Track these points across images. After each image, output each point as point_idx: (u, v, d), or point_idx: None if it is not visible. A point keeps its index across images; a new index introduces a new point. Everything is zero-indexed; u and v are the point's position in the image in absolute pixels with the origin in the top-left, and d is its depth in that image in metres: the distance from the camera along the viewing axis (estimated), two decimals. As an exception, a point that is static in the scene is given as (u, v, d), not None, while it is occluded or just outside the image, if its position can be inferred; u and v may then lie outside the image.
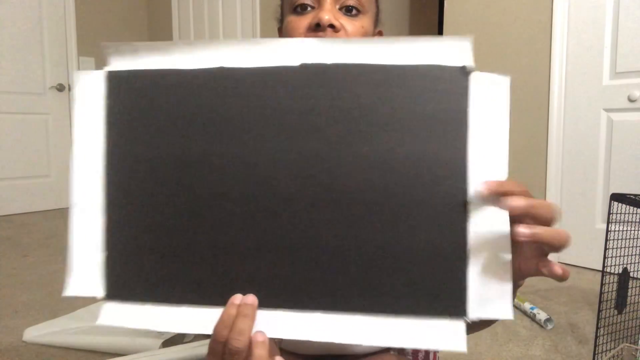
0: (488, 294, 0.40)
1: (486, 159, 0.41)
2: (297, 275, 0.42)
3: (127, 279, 0.44)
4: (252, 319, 0.41)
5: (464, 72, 0.42)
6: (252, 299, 0.41)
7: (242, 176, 0.43)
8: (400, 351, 0.75)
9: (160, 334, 1.44)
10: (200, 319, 0.43)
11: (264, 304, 0.42)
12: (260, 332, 0.41)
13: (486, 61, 2.50)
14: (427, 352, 0.77)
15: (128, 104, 0.45)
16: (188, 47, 0.44)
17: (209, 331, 0.42)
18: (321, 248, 0.42)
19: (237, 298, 0.41)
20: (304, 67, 0.43)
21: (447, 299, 0.40)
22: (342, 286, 0.41)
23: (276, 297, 0.42)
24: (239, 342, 0.40)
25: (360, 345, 0.69)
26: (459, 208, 0.41)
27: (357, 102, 0.42)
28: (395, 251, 0.41)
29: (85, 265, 0.45)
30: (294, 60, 0.43)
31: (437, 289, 0.40)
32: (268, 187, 0.43)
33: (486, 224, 0.41)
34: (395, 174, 0.41)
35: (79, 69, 3.81)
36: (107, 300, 0.44)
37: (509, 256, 0.40)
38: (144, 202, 0.44)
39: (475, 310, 0.40)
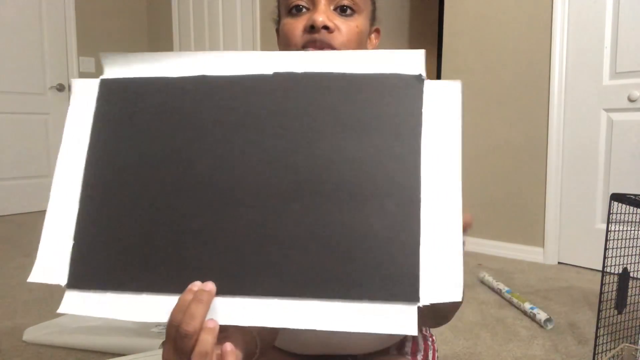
0: (440, 280, 0.41)
1: (439, 154, 0.45)
2: (255, 262, 0.43)
3: (90, 268, 0.46)
4: (207, 304, 0.41)
5: (418, 80, 0.47)
6: (210, 286, 0.42)
7: (210, 170, 0.46)
8: (400, 351, 0.75)
9: (159, 333, 1.44)
10: (160, 307, 0.44)
11: (224, 291, 0.43)
12: (212, 319, 0.42)
13: (486, 61, 2.50)
14: (426, 353, 0.77)
15: (113, 107, 0.49)
16: (175, 58, 0.50)
17: (165, 319, 0.43)
18: (280, 236, 0.44)
19: (196, 285, 0.43)
20: (277, 75, 0.48)
21: (401, 285, 0.42)
22: (298, 272, 0.43)
23: (235, 284, 0.43)
24: (189, 326, 0.40)
25: (360, 344, 0.69)
26: (413, 199, 0.44)
27: (322, 105, 0.47)
28: (351, 239, 0.43)
29: (53, 254, 0.47)
30: (268, 70, 0.49)
31: (391, 276, 0.42)
32: (233, 180, 0.46)
33: (438, 213, 0.43)
34: (354, 169, 0.45)
35: (79, 69, 3.81)
36: (69, 289, 0.46)
37: (459, 243, 0.42)
38: (114, 195, 0.47)
39: (427, 294, 0.41)
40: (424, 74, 0.47)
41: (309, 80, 0.48)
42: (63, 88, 3.71)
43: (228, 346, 0.42)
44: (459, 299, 0.41)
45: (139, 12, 4.27)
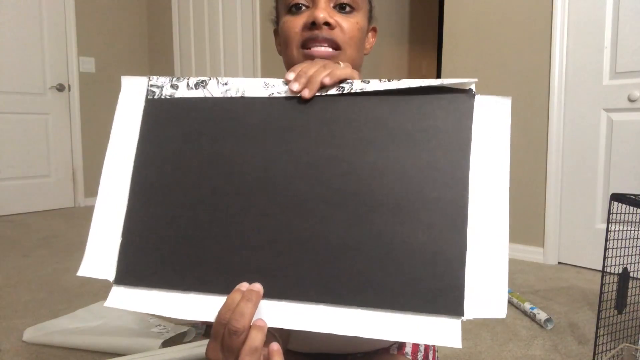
0: (484, 294, 0.42)
1: (487, 170, 0.45)
2: (303, 269, 0.44)
3: (137, 265, 0.46)
4: (255, 304, 0.42)
5: (469, 95, 0.47)
6: (258, 286, 0.43)
7: (258, 175, 0.47)
8: (400, 351, 0.75)
9: (159, 333, 1.44)
10: (205, 307, 0.44)
11: (270, 294, 0.43)
12: (261, 319, 0.43)
13: (486, 61, 2.50)
14: (426, 352, 0.77)
15: (162, 110, 0.51)
16: (222, 82, 0.52)
17: (213, 319, 0.43)
18: (328, 244, 0.44)
19: (244, 285, 0.44)
20: (326, 96, 0.49)
21: (446, 299, 0.42)
22: (345, 281, 0.43)
23: (282, 288, 0.44)
24: (238, 323, 0.41)
25: (363, 343, 0.69)
26: (460, 212, 0.44)
27: (371, 116, 0.47)
28: (398, 251, 0.43)
29: (102, 249, 0.48)
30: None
31: (436, 289, 0.42)
32: (282, 185, 0.46)
33: (485, 228, 0.43)
34: (402, 181, 0.45)
35: (79, 69, 3.81)
36: (116, 284, 0.47)
37: (505, 258, 0.43)
38: (163, 194, 0.48)
39: (472, 309, 0.41)
40: (474, 89, 0.47)
41: (358, 95, 0.48)
42: (63, 88, 3.71)
43: (275, 346, 0.43)
44: (503, 315, 0.41)
45: (139, 12, 4.27)
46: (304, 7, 0.63)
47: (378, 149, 0.46)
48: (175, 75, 4.09)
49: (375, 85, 0.48)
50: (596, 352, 1.25)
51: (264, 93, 0.50)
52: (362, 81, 0.49)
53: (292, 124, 0.48)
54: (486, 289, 0.42)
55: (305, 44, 0.62)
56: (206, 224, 0.46)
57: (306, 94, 0.48)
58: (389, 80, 0.48)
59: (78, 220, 3.34)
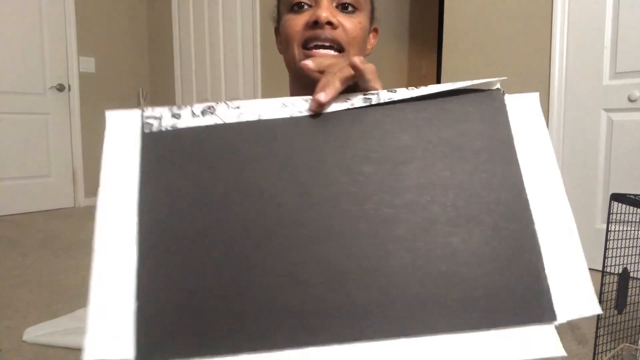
0: (571, 293, 0.39)
1: (537, 166, 0.42)
2: (371, 301, 0.38)
3: (164, 333, 0.37)
4: None
5: (499, 93, 0.44)
6: None
7: (296, 207, 0.40)
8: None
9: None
10: None
11: (342, 337, 0.37)
12: None
13: (486, 61, 2.50)
14: None
15: (163, 150, 0.42)
16: (232, 106, 0.45)
17: None
18: (383, 269, 0.39)
19: None
20: (352, 110, 0.45)
21: (534, 306, 0.38)
22: (422, 307, 0.38)
23: (351, 329, 0.37)
24: None
25: None
26: (524, 211, 0.41)
27: (404, 128, 0.43)
28: (469, 263, 0.39)
29: (111, 321, 0.37)
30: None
31: (521, 298, 0.38)
32: (326, 214, 0.40)
33: (552, 225, 0.40)
34: (453, 188, 0.41)
35: (79, 69, 3.81)
36: None
37: (581, 251, 0.40)
38: (183, 241, 0.39)
39: (563, 311, 0.38)
40: (501, 89, 0.45)
41: (387, 105, 0.45)
42: (63, 88, 3.71)
43: None
44: (598, 311, 0.38)
45: (139, 12, 4.27)
46: (306, 6, 0.62)
47: (421, 158, 0.42)
48: (174, 73, 4.10)
49: (403, 93, 0.44)
50: (596, 352, 1.25)
51: (284, 114, 0.44)
52: (388, 91, 0.45)
53: (322, 144, 0.43)
54: (571, 287, 0.39)
55: (307, 44, 0.62)
56: (242, 268, 0.39)
57: (322, 98, 0.43)
58: (416, 87, 0.45)
59: (78, 220, 3.34)
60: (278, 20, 0.69)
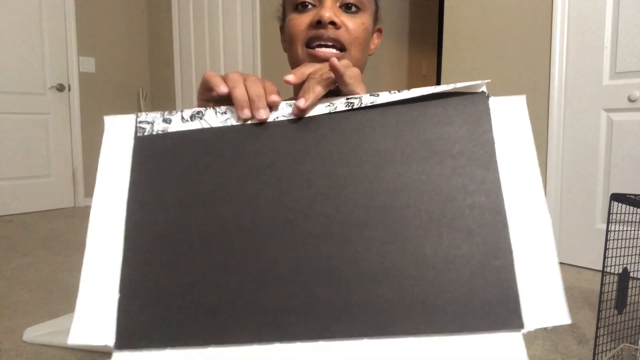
0: (541, 301, 0.38)
1: (517, 171, 0.42)
2: (338, 301, 0.39)
3: (142, 322, 0.39)
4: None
5: (483, 97, 0.44)
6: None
7: (271, 205, 0.42)
8: None
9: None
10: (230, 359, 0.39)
11: (306, 335, 0.38)
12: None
13: (486, 61, 2.50)
14: None
15: (154, 151, 0.45)
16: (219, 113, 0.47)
17: None
18: (362, 270, 0.40)
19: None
20: (335, 114, 0.46)
21: (502, 312, 0.38)
22: (389, 308, 0.39)
23: (318, 326, 0.39)
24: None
25: None
26: (498, 217, 0.40)
27: (385, 130, 0.44)
28: (440, 267, 0.39)
29: (95, 310, 0.40)
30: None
31: (490, 303, 0.38)
32: (298, 213, 0.42)
33: (527, 231, 0.40)
34: (429, 190, 0.42)
35: (79, 69, 3.81)
36: (118, 350, 0.39)
37: (555, 260, 0.39)
38: (165, 238, 0.42)
39: (531, 319, 0.38)
40: (486, 92, 0.45)
41: (369, 109, 0.45)
42: (63, 88, 3.71)
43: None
44: (567, 321, 0.38)
45: (139, 12, 4.27)
46: (310, 6, 0.63)
47: (399, 162, 0.43)
48: (174, 73, 4.10)
49: (385, 97, 0.45)
50: (596, 352, 1.25)
51: (268, 118, 0.46)
52: (371, 95, 0.46)
53: (302, 147, 0.44)
54: (542, 295, 0.38)
55: (310, 43, 0.62)
56: (217, 266, 0.40)
57: (301, 104, 0.44)
58: (398, 91, 0.45)
59: (78, 220, 3.34)
60: (283, 19, 0.70)
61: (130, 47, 4.20)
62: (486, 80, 0.44)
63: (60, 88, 3.69)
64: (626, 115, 2.13)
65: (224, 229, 0.42)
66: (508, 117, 0.44)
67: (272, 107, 0.46)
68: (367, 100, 0.45)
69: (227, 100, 0.47)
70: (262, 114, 0.44)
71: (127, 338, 0.39)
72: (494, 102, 0.44)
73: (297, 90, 0.70)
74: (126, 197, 0.44)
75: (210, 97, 0.49)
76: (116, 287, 0.41)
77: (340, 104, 0.46)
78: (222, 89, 0.46)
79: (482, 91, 0.45)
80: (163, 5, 4.15)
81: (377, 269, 0.40)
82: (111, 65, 4.05)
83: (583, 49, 2.23)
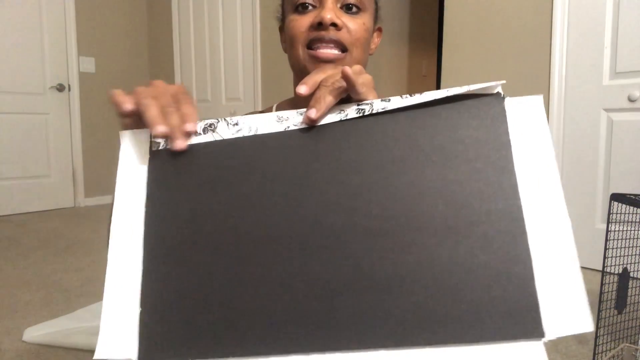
0: (563, 309, 0.37)
1: (535, 175, 0.41)
2: (354, 311, 0.39)
3: (163, 336, 0.40)
4: None
5: (498, 98, 0.43)
6: None
7: (285, 217, 0.42)
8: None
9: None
10: None
11: (322, 346, 0.38)
12: None
13: (486, 61, 2.50)
14: None
15: (170, 163, 0.45)
16: (231, 123, 0.47)
17: None
18: (378, 279, 0.39)
19: None
20: (346, 121, 0.45)
21: (522, 321, 0.37)
22: (405, 318, 0.38)
23: (334, 338, 0.38)
24: None
25: None
26: (517, 222, 0.39)
27: (399, 136, 0.43)
28: (458, 275, 0.39)
29: (119, 324, 0.41)
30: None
31: (509, 312, 0.38)
32: (313, 223, 0.41)
33: (547, 237, 0.39)
34: (446, 199, 0.41)
35: (79, 69, 3.81)
36: None
37: (577, 265, 0.38)
38: (183, 252, 0.42)
39: (553, 327, 0.37)
40: (502, 92, 0.43)
41: (380, 115, 0.44)
42: (63, 88, 3.71)
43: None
44: (590, 328, 0.36)
45: (139, 12, 4.27)
46: (310, 7, 0.62)
47: (413, 168, 0.42)
48: (174, 73, 4.09)
49: (397, 102, 0.44)
50: (596, 352, 1.25)
51: (279, 128, 0.45)
52: (382, 100, 0.45)
53: (314, 156, 0.43)
54: (564, 302, 0.37)
55: (311, 44, 0.62)
56: (235, 278, 0.41)
57: (312, 114, 0.43)
58: (410, 95, 0.44)
59: (78, 220, 3.34)
60: (282, 19, 0.69)
61: (130, 47, 4.20)
62: (501, 82, 0.43)
63: (60, 88, 3.69)
64: (626, 115, 2.13)
65: (239, 241, 0.42)
66: (525, 118, 0.42)
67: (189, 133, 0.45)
68: (379, 106, 0.44)
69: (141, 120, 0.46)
70: (178, 145, 0.44)
71: (149, 351, 0.39)
72: (510, 103, 0.43)
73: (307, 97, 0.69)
74: (144, 212, 0.44)
75: (123, 121, 0.47)
76: (137, 301, 0.41)
77: (351, 111, 0.45)
78: (127, 106, 0.44)
79: (498, 92, 0.43)
80: (163, 5, 4.15)
81: (393, 279, 0.39)
82: (111, 65, 4.05)
83: (583, 49, 2.23)
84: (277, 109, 0.74)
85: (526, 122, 0.42)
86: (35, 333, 1.46)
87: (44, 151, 3.64)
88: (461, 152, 0.42)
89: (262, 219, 0.42)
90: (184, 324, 0.40)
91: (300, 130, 0.45)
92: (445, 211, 0.40)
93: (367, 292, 0.39)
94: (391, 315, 0.38)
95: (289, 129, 0.45)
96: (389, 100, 0.44)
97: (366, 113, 0.44)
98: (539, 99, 0.43)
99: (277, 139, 0.45)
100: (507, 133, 0.42)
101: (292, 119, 0.45)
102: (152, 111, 0.44)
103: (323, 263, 0.40)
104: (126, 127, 0.47)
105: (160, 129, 0.43)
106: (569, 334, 0.36)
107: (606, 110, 2.19)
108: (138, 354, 0.39)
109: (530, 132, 0.42)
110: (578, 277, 0.38)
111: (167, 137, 0.44)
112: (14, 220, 3.28)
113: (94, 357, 0.40)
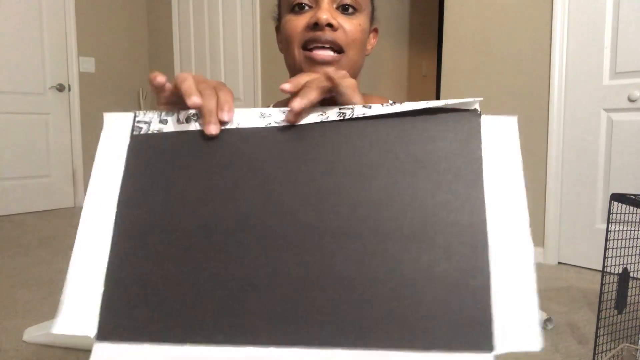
0: (515, 324, 0.38)
1: (502, 192, 0.42)
2: (314, 309, 0.40)
3: (123, 316, 0.41)
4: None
5: (475, 115, 0.45)
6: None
7: (255, 211, 0.43)
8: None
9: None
10: (204, 359, 0.40)
11: (279, 341, 0.39)
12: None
13: (486, 61, 2.50)
14: None
15: (148, 149, 0.46)
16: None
17: None
18: (340, 280, 0.40)
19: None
20: (326, 123, 0.46)
21: (474, 333, 0.38)
22: (362, 319, 0.39)
23: (289, 333, 0.39)
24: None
25: None
26: (479, 236, 0.40)
27: (374, 143, 0.44)
28: (417, 282, 0.40)
29: (80, 301, 0.42)
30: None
31: (462, 323, 0.38)
32: (282, 220, 0.42)
33: (507, 254, 0.40)
34: (413, 208, 0.42)
35: (79, 69, 3.81)
36: (98, 341, 0.40)
37: (533, 284, 0.39)
38: (152, 236, 0.43)
39: (503, 342, 0.38)
40: (479, 109, 0.45)
41: (360, 120, 0.46)
42: (63, 88, 3.71)
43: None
44: (538, 348, 0.37)
45: (139, 12, 4.27)
46: (306, 7, 0.62)
47: (385, 175, 0.43)
48: (174, 73, 4.10)
49: (377, 109, 0.45)
50: (596, 352, 1.25)
51: (260, 123, 0.47)
52: (363, 106, 0.46)
53: (291, 154, 0.45)
54: (517, 319, 0.38)
55: (307, 45, 0.62)
56: (201, 265, 0.42)
57: (295, 104, 0.44)
58: (391, 104, 0.45)
59: (78, 220, 3.33)
60: (279, 19, 0.69)
61: (130, 47, 4.20)
62: (478, 99, 0.44)
63: (60, 88, 3.69)
64: (626, 115, 2.13)
65: (209, 231, 0.43)
66: (498, 137, 0.44)
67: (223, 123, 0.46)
68: (359, 111, 0.45)
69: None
70: (212, 129, 0.45)
71: (108, 330, 0.40)
72: (485, 121, 0.45)
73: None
74: (117, 195, 0.45)
75: (163, 100, 0.49)
76: (102, 281, 0.42)
77: (332, 114, 0.46)
78: (161, 79, 0.47)
79: (475, 109, 0.45)
80: (163, 5, 4.15)
81: (354, 280, 0.40)
82: (111, 65, 4.05)
83: (583, 49, 2.23)
84: None
85: (499, 140, 0.44)
86: (35, 333, 1.46)
87: (44, 151, 3.64)
88: (434, 163, 0.43)
89: (233, 211, 0.43)
90: (145, 307, 0.41)
91: (281, 128, 0.46)
92: (412, 218, 0.41)
93: (328, 291, 0.40)
94: (349, 316, 0.39)
95: (271, 125, 0.46)
96: (370, 107, 0.46)
97: (347, 117, 0.46)
98: (513, 119, 0.45)
99: (257, 134, 0.46)
100: (479, 149, 0.43)
101: (275, 116, 0.47)
102: (188, 83, 0.45)
103: (287, 260, 0.41)
104: (162, 103, 0.49)
105: (195, 99, 0.44)
106: (518, 350, 0.37)
107: (606, 110, 2.19)
108: (97, 331, 0.40)
109: (502, 151, 0.44)
110: (532, 296, 0.39)
111: (201, 119, 0.46)
112: (14, 220, 3.28)
113: (51, 331, 0.41)
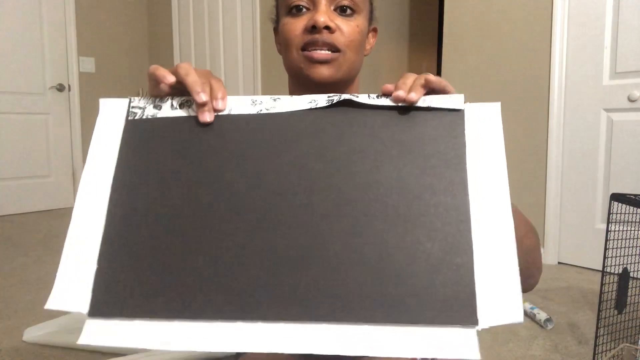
0: (497, 300, 0.39)
1: (485, 173, 0.44)
2: (302, 286, 0.41)
3: (115, 293, 0.42)
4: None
5: (460, 104, 0.47)
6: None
7: (246, 191, 0.45)
8: None
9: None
10: (194, 335, 0.40)
11: (269, 316, 0.40)
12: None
13: (486, 61, 2.50)
14: None
15: (142, 132, 0.48)
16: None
17: (201, 348, 0.39)
18: (328, 258, 0.41)
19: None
20: (313, 110, 0.48)
21: (457, 308, 0.39)
22: (349, 296, 0.40)
23: (281, 308, 0.40)
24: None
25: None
26: (463, 216, 0.42)
27: (361, 129, 0.47)
28: (402, 261, 0.41)
29: (74, 279, 0.43)
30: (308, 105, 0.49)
31: (447, 298, 0.40)
32: (272, 200, 0.44)
33: (489, 233, 0.42)
34: (399, 189, 0.44)
35: (79, 69, 3.81)
36: (91, 317, 0.41)
37: (515, 260, 0.41)
38: (145, 216, 0.44)
39: (486, 317, 0.39)
40: (463, 97, 0.47)
41: (348, 107, 0.48)
42: (63, 88, 3.71)
43: None
44: (520, 320, 0.39)
45: (139, 12, 4.27)
46: (304, 9, 0.62)
47: (372, 159, 0.45)
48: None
49: (363, 99, 0.48)
50: (596, 352, 1.25)
51: (252, 110, 0.48)
52: (351, 95, 0.48)
53: (280, 139, 0.46)
54: (499, 295, 0.39)
55: (305, 47, 0.62)
56: (191, 244, 0.43)
57: (411, 96, 0.47)
58: (377, 97, 0.48)
59: (78, 220, 3.34)
60: (277, 21, 0.69)
61: (130, 47, 4.20)
62: (460, 95, 0.47)
63: (60, 88, 3.69)
64: (626, 115, 2.13)
65: (199, 212, 0.44)
66: (482, 122, 0.46)
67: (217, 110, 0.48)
68: (346, 97, 0.48)
69: (180, 92, 0.49)
70: (207, 117, 0.48)
71: (99, 307, 0.41)
72: (469, 108, 0.47)
73: (293, 89, 0.69)
74: (112, 177, 0.46)
75: (158, 93, 0.50)
76: (95, 259, 0.43)
77: (321, 100, 0.48)
78: (169, 78, 0.48)
79: (460, 100, 0.47)
80: (163, 5, 4.15)
81: (341, 258, 0.41)
82: (111, 65, 4.05)
83: (583, 49, 2.23)
84: None
85: (483, 126, 0.46)
86: (35, 333, 1.46)
87: (44, 151, 3.64)
88: (418, 148, 0.45)
89: (225, 192, 0.44)
90: (137, 284, 0.42)
91: (272, 114, 0.48)
92: (398, 200, 0.43)
93: (315, 269, 0.41)
94: (335, 292, 0.40)
95: (261, 112, 0.48)
96: (357, 96, 0.48)
97: (334, 102, 0.48)
98: (496, 105, 0.47)
99: (248, 120, 0.48)
100: (463, 134, 0.46)
101: (265, 103, 0.49)
102: (193, 78, 0.47)
103: (276, 239, 0.42)
104: (156, 94, 0.50)
105: (203, 96, 0.47)
106: (501, 324, 0.39)
107: (606, 110, 2.19)
108: (89, 308, 0.41)
109: (485, 136, 0.46)
110: (515, 272, 0.40)
111: (196, 107, 0.48)
112: (14, 220, 3.28)
113: (45, 307, 0.41)
